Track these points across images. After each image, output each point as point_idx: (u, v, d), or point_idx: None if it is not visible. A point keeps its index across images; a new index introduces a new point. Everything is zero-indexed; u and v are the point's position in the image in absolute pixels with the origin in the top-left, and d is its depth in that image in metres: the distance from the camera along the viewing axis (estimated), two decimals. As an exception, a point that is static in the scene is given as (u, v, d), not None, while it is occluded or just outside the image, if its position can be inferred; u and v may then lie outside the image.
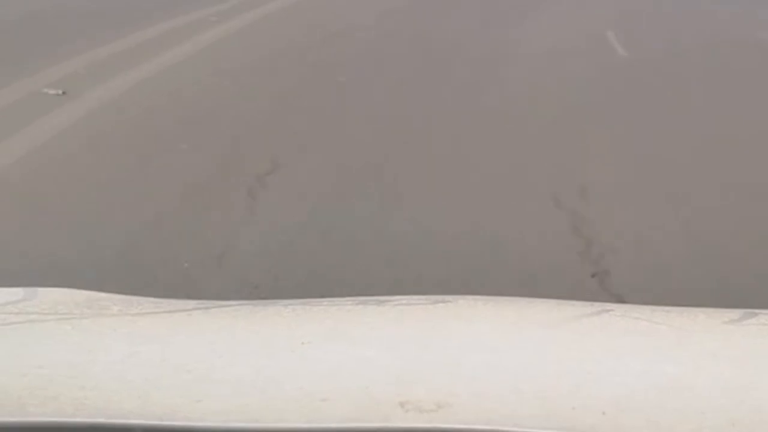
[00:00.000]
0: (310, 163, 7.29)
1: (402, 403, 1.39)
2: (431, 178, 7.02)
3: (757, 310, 2.03)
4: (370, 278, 5.14)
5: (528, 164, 7.42)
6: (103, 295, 2.14)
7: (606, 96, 10.11)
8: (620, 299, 4.91)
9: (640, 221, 6.21)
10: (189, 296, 3.77)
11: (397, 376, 1.53)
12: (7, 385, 1.47)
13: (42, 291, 2.11)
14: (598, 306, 2.00)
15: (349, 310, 2.05)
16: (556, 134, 8.38)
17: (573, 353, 1.69)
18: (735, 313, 1.98)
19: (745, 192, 6.88)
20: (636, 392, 1.50)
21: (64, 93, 8.91)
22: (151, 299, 2.16)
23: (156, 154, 7.47)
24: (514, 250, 5.63)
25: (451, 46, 12.62)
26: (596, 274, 5.31)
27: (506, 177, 7.11)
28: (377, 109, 9.27)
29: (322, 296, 2.30)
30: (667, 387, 1.54)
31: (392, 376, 1.52)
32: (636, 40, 13.49)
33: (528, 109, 9.33)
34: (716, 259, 5.65)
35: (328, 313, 2.02)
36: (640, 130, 8.62)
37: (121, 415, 1.38)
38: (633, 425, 1.41)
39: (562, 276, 5.29)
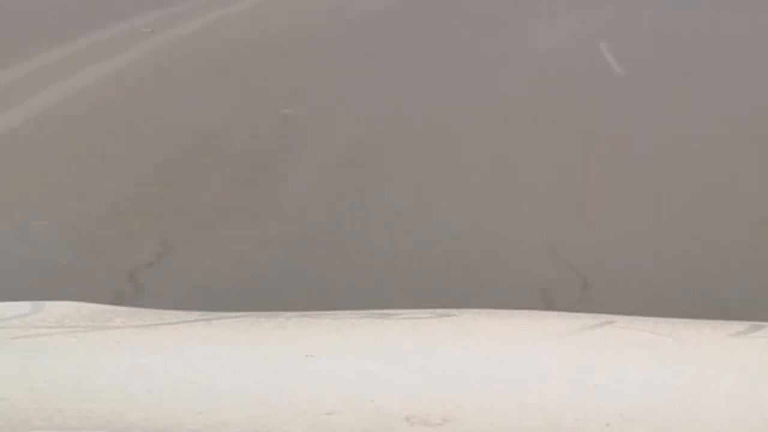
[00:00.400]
0: (214, 244, 5.26)
1: (407, 417, 1.39)
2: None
3: (762, 323, 2.03)
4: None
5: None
6: (107, 307, 2.14)
7: (601, 138, 8.21)
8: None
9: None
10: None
11: (402, 389, 1.53)
12: (15, 398, 1.48)
13: (49, 305, 2.12)
14: (601, 318, 2.00)
15: (354, 323, 2.05)
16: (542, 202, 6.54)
17: (577, 365, 1.69)
18: (741, 326, 1.98)
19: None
20: (640, 404, 1.50)
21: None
22: (155, 311, 2.17)
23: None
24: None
25: (422, 62, 11.09)
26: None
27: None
28: (335, 159, 7.28)
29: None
30: (671, 399, 1.54)
31: (398, 390, 1.53)
32: (633, 53, 12.08)
33: (502, 173, 7.16)
34: None
35: (332, 325, 2.02)
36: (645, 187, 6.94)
37: (124, 428, 1.38)
38: None
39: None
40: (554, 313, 2.12)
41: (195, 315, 2.09)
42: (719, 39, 13.37)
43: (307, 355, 1.69)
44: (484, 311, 2.11)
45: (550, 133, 8.25)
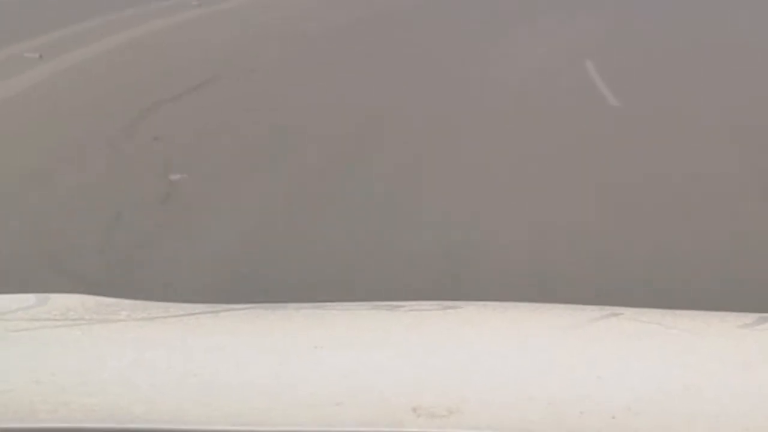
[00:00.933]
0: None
1: (414, 409, 1.39)
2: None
3: None
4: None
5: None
6: (112, 300, 2.14)
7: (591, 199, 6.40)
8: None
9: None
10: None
11: (408, 381, 1.53)
12: (20, 391, 1.48)
13: (53, 297, 2.12)
14: (607, 310, 2.00)
15: (361, 315, 2.05)
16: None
17: (582, 358, 1.69)
18: (748, 318, 1.97)
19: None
20: (646, 396, 1.50)
21: None
22: (160, 303, 2.16)
23: None
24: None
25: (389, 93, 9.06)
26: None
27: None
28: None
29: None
30: (677, 391, 1.54)
31: (404, 382, 1.53)
32: (629, 79, 10.01)
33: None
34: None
35: (339, 317, 2.02)
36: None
37: (129, 420, 1.38)
38: (643, 429, 1.41)
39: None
40: (560, 306, 2.11)
41: (200, 307, 2.08)
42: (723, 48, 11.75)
43: (315, 347, 1.69)
44: (490, 304, 2.11)
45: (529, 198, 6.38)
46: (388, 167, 7.02)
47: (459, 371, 1.58)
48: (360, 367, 1.61)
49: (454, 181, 6.69)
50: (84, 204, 5.98)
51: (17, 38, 10.64)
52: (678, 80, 10.22)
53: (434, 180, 6.78)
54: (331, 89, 9.34)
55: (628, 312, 1.99)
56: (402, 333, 1.85)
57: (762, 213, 6.20)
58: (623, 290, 4.84)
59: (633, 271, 5.20)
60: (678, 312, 2.10)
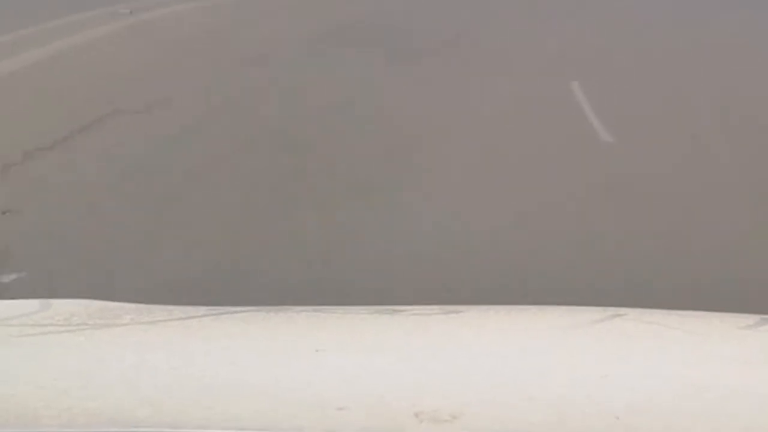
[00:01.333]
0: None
1: (417, 413, 1.39)
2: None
3: None
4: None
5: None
6: (115, 304, 2.14)
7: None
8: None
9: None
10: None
11: (411, 385, 1.53)
12: (23, 397, 1.48)
13: (56, 302, 2.12)
14: (611, 311, 2.00)
15: (363, 319, 2.05)
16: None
17: (585, 358, 1.69)
18: (750, 319, 1.97)
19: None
20: (649, 397, 1.50)
21: None
22: (163, 306, 2.17)
23: None
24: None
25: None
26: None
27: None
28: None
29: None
30: (681, 392, 1.54)
31: (407, 386, 1.53)
32: (624, 108, 8.26)
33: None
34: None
35: (341, 321, 2.02)
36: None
37: (133, 424, 1.38)
38: (646, 430, 1.41)
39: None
40: (561, 307, 2.11)
41: (203, 310, 2.09)
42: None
43: (317, 350, 1.69)
44: (492, 307, 2.11)
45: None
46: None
47: (461, 375, 1.58)
48: (362, 371, 1.61)
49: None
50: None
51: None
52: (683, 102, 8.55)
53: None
54: (261, 125, 7.47)
55: (630, 313, 1.99)
56: (403, 337, 1.85)
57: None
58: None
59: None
60: (680, 313, 2.11)
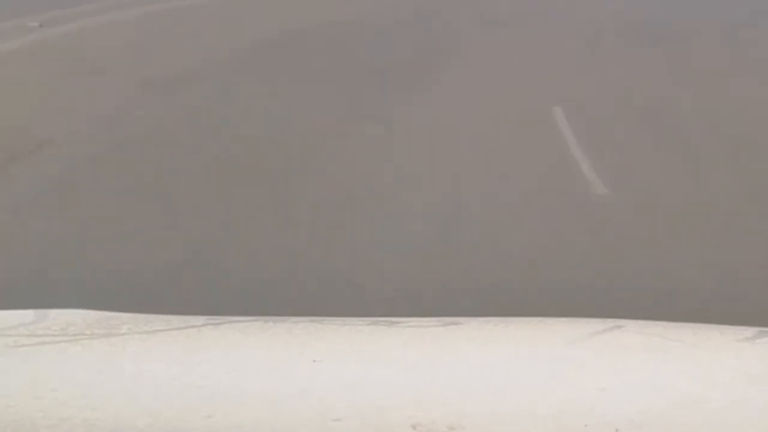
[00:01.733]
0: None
1: (414, 425, 1.39)
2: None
3: None
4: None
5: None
6: (113, 314, 2.14)
7: None
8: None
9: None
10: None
11: (408, 397, 1.53)
12: (21, 407, 1.48)
13: (53, 312, 2.12)
14: (610, 322, 2.00)
15: (360, 330, 2.05)
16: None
17: (585, 371, 1.68)
18: (749, 331, 1.97)
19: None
20: (649, 409, 1.49)
21: None
22: (161, 316, 2.16)
23: None
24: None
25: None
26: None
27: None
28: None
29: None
30: (680, 404, 1.54)
31: (405, 398, 1.52)
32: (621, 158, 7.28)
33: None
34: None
35: (339, 332, 2.02)
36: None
37: None
38: None
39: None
40: (561, 319, 2.11)
41: (202, 320, 2.08)
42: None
43: (314, 361, 1.69)
44: (491, 319, 2.11)
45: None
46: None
47: (459, 386, 1.57)
48: (359, 382, 1.61)
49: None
50: None
51: None
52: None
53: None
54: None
55: (631, 324, 1.99)
56: (401, 348, 1.85)
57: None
58: None
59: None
60: (679, 325, 2.10)
